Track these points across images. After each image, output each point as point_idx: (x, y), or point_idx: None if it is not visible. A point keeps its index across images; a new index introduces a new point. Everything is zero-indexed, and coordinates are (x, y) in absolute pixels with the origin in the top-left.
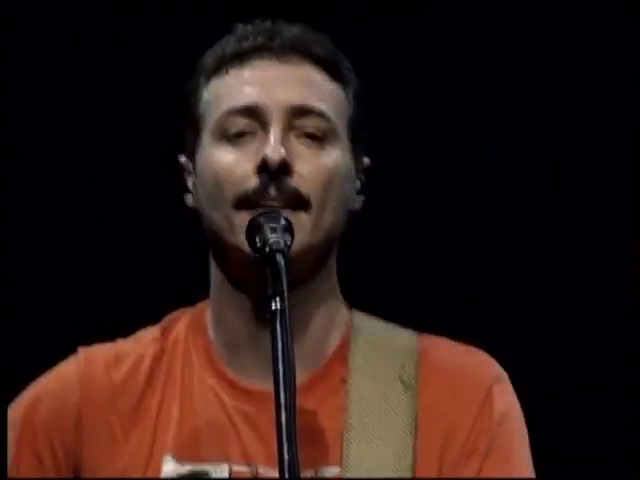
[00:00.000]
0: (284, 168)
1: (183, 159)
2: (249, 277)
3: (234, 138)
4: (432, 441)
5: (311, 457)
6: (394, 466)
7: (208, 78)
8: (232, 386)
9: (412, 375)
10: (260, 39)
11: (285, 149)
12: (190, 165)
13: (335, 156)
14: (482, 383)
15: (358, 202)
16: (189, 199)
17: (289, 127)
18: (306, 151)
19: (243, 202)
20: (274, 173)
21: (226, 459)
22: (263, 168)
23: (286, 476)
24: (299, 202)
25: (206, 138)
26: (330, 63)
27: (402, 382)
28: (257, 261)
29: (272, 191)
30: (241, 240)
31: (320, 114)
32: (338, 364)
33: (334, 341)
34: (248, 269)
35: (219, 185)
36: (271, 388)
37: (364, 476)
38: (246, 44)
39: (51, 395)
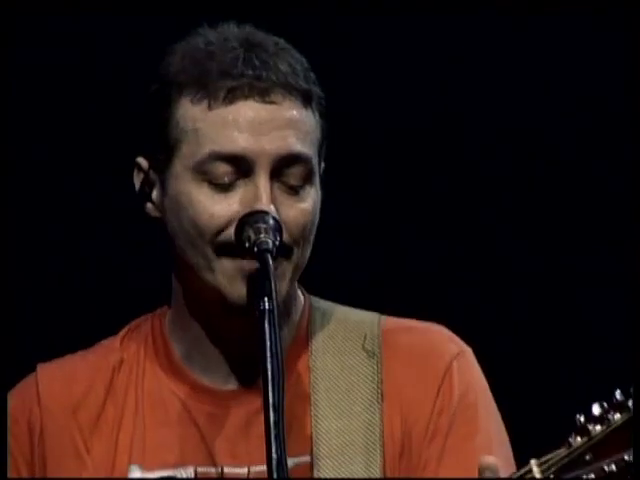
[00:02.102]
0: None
1: (144, 163)
2: (216, 309)
3: (217, 185)
4: (395, 410)
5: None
6: (364, 438)
7: (180, 94)
8: (195, 389)
9: (375, 343)
10: (245, 77)
11: (271, 200)
12: (154, 176)
13: (312, 197)
14: (441, 361)
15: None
16: (151, 208)
17: (273, 176)
18: (288, 198)
19: (227, 249)
20: None
21: (192, 462)
22: None
23: (274, 475)
24: (282, 249)
25: (182, 170)
26: (304, 91)
27: (365, 350)
28: (233, 307)
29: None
30: (221, 284)
31: (304, 159)
32: (296, 354)
33: (291, 333)
34: (218, 304)
35: (199, 227)
36: (230, 387)
37: (334, 452)
38: (231, 82)
39: (12, 417)
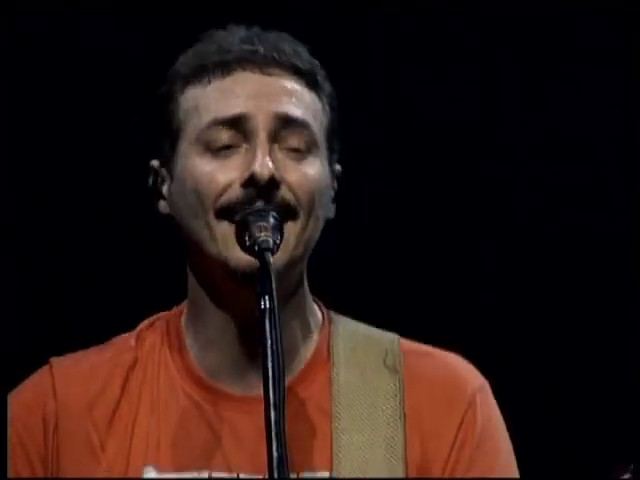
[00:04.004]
0: (272, 183)
1: (156, 164)
2: (227, 286)
3: (218, 151)
4: (415, 433)
5: (295, 462)
6: (385, 454)
7: (184, 85)
8: (211, 392)
9: (396, 360)
10: (242, 51)
11: (271, 161)
12: (164, 171)
13: (317, 166)
14: (464, 393)
15: (332, 211)
16: (162, 206)
17: (274, 138)
18: (290, 162)
19: (225, 211)
20: (262, 188)
21: (207, 467)
22: (251, 183)
23: (275, 475)
24: (288, 212)
25: (186, 147)
26: (308, 74)
27: (386, 366)
28: (237, 271)
29: (260, 204)
30: (222, 251)
31: (303, 124)
32: (317, 366)
33: (310, 346)
34: (226, 278)
35: (200, 194)
36: (251, 393)
37: (356, 467)
38: (229, 55)
39: (26, 408)
